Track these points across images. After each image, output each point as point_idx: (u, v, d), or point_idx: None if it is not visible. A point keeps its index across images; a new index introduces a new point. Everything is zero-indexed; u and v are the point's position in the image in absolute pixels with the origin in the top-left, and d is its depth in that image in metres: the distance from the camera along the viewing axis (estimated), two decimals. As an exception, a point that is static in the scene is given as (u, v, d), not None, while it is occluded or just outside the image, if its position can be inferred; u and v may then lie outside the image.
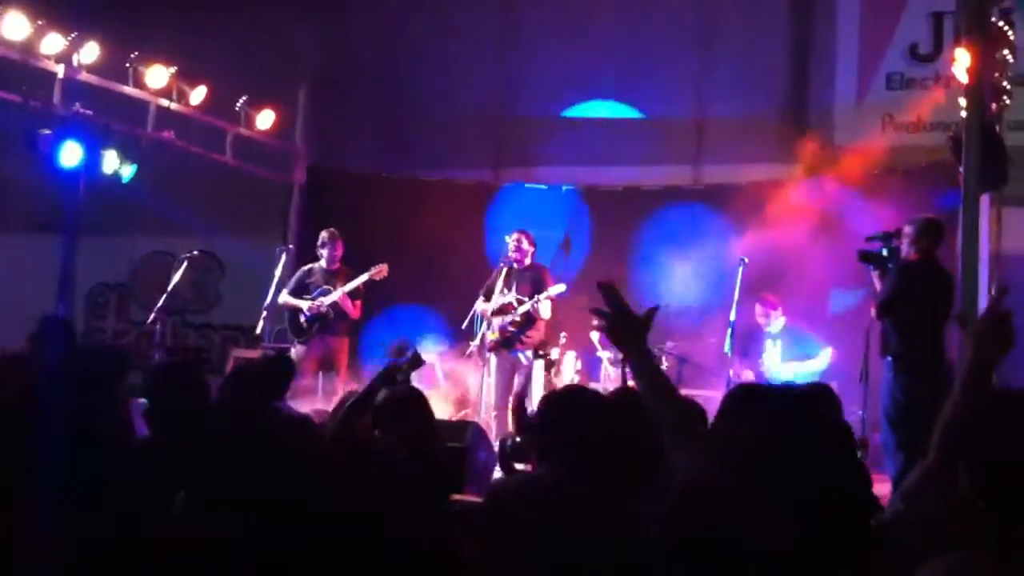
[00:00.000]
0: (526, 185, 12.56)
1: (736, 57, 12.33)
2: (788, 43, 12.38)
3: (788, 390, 2.73)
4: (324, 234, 10.29)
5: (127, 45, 10.23)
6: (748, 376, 9.27)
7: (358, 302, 10.05)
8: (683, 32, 12.59)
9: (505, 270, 9.86)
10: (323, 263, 10.11)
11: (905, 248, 7.58)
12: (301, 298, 10.01)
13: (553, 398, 4.09)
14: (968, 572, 2.37)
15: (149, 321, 9.92)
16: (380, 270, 10.00)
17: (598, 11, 12.68)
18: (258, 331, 9.95)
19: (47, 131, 9.40)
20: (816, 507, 2.31)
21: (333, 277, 10.03)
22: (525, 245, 9.91)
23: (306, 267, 10.20)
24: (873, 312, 7.73)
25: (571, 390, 4.24)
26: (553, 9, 12.91)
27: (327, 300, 9.89)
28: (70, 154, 9.42)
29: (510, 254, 9.89)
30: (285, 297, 10.04)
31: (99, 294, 13.27)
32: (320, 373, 9.97)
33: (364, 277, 9.93)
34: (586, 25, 12.68)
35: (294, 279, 10.14)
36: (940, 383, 7.40)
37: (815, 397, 3.14)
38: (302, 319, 9.99)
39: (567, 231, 11.37)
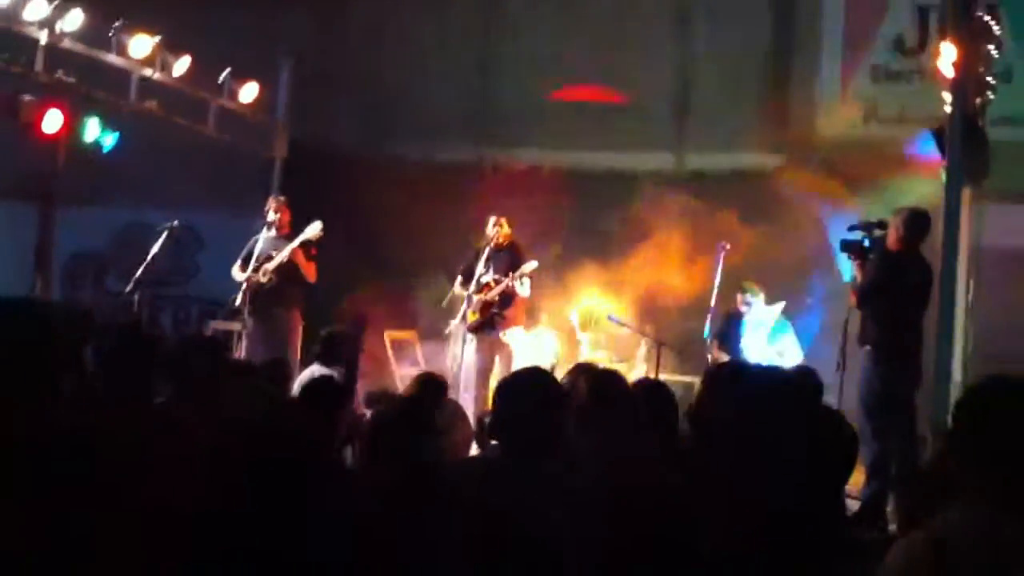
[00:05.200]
0: (508, 167, 12.55)
1: (720, 44, 12.36)
2: (772, 31, 12.41)
3: (774, 371, 2.75)
4: (271, 201, 10.19)
5: (111, 13, 10.11)
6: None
7: (312, 264, 9.76)
8: (666, 18, 12.61)
9: (485, 251, 9.89)
10: (272, 231, 9.91)
11: (889, 238, 7.62)
12: (247, 268, 9.80)
13: (504, 380, 4.12)
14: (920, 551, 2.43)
15: (126, 292, 9.82)
16: (314, 228, 9.70)
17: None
18: (236, 304, 9.82)
19: (28, 97, 9.30)
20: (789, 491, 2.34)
21: (281, 243, 9.78)
22: (505, 227, 9.97)
23: (255, 236, 9.97)
24: (852, 301, 7.78)
25: (522, 372, 4.26)
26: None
27: (270, 266, 9.70)
28: (51, 122, 9.32)
29: (490, 235, 9.93)
30: (236, 271, 9.89)
31: (76, 265, 13.18)
32: (269, 348, 9.63)
33: (299, 239, 9.66)
34: (570, 8, 12.67)
35: (244, 250, 9.93)
36: (917, 373, 7.49)
37: (799, 380, 3.16)
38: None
39: (548, 214, 11.38)
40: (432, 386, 5.72)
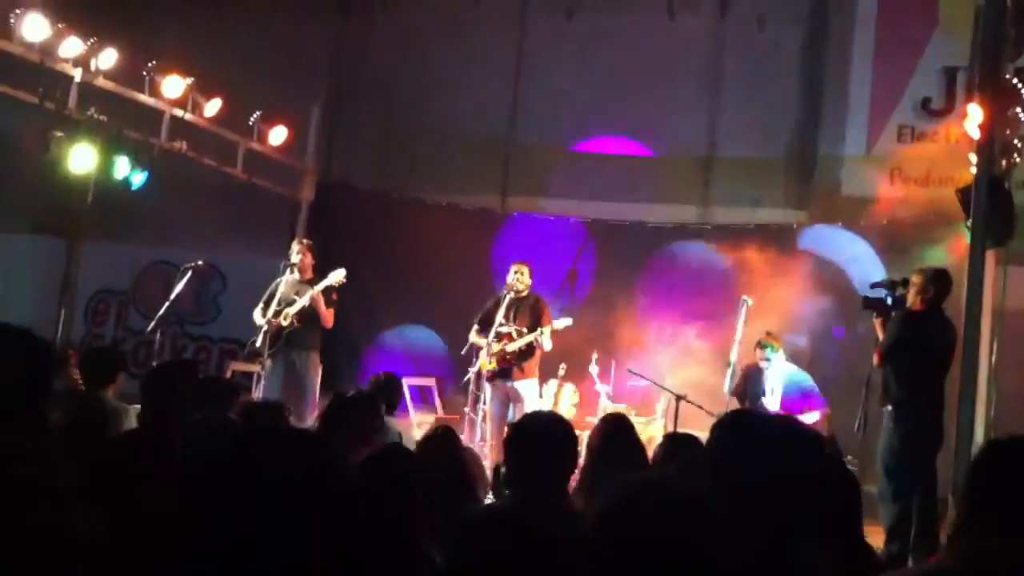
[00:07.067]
0: (534, 215, 12.61)
1: (747, 100, 12.43)
2: (799, 89, 12.47)
3: (789, 420, 2.76)
4: (295, 243, 10.14)
5: (145, 53, 10.26)
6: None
7: (331, 310, 9.71)
8: (695, 73, 12.69)
9: (506, 300, 9.82)
10: (295, 274, 9.84)
11: (911, 297, 7.59)
12: (269, 310, 9.71)
13: (516, 426, 4.11)
14: None
15: (149, 330, 9.82)
16: (338, 275, 9.61)
17: (611, 47, 12.76)
18: (257, 345, 9.80)
19: (60, 134, 9.40)
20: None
21: (304, 287, 9.71)
22: (526, 276, 9.90)
23: (278, 279, 9.86)
24: (875, 360, 7.73)
25: (532, 416, 4.27)
26: (567, 43, 13.00)
27: (292, 310, 9.70)
28: (82, 158, 9.42)
29: (510, 284, 9.86)
30: (257, 313, 9.89)
31: (100, 300, 13.25)
32: (288, 390, 9.60)
33: (322, 285, 9.59)
34: (598, 60, 12.77)
35: (267, 292, 9.85)
36: (938, 434, 7.42)
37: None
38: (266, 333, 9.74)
39: (573, 263, 11.38)
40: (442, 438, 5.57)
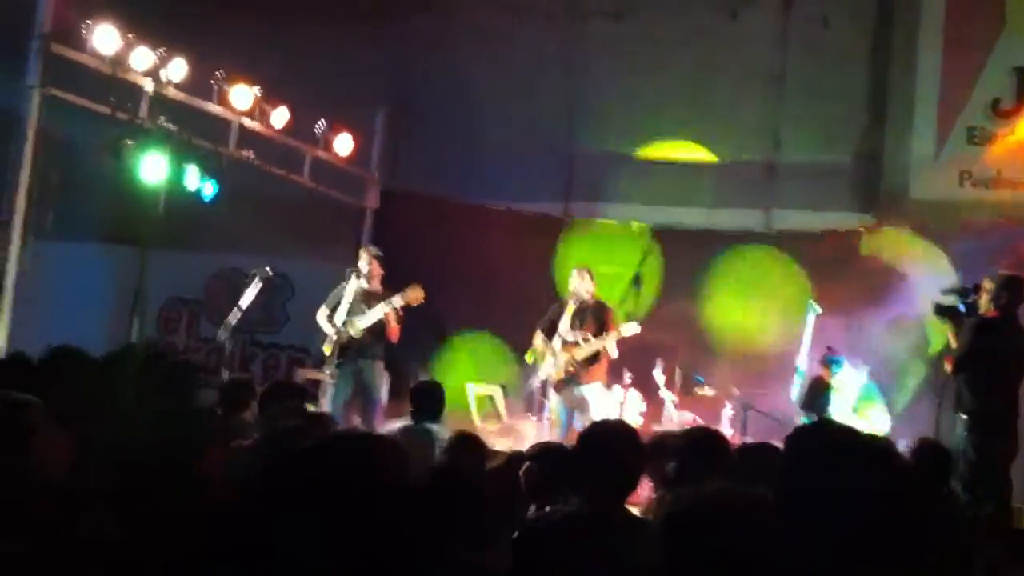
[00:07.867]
0: (597, 220, 12.58)
1: (812, 103, 12.31)
2: (866, 92, 12.33)
3: (876, 440, 2.70)
4: (363, 253, 10.18)
5: (213, 64, 10.38)
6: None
7: (399, 327, 9.76)
8: (759, 76, 12.58)
9: (571, 307, 9.79)
10: (363, 282, 9.91)
11: (984, 304, 7.49)
12: (335, 315, 9.81)
13: (587, 431, 4.19)
14: None
15: (222, 340, 9.91)
16: (416, 294, 9.64)
17: (672, 49, 12.69)
18: (325, 352, 9.89)
19: (131, 143, 9.51)
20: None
21: (371, 298, 9.79)
22: (589, 282, 9.85)
23: (345, 284, 9.91)
24: (948, 368, 7.64)
25: (605, 423, 4.37)
26: (627, 45, 12.94)
27: (362, 324, 9.76)
28: (153, 168, 9.52)
29: (575, 290, 9.82)
30: (321, 317, 9.96)
31: (171, 309, 13.43)
32: (355, 399, 9.81)
33: (398, 302, 9.60)
34: (659, 63, 12.70)
35: (331, 295, 9.94)
36: (1013, 443, 7.31)
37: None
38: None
39: (639, 269, 11.34)
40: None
